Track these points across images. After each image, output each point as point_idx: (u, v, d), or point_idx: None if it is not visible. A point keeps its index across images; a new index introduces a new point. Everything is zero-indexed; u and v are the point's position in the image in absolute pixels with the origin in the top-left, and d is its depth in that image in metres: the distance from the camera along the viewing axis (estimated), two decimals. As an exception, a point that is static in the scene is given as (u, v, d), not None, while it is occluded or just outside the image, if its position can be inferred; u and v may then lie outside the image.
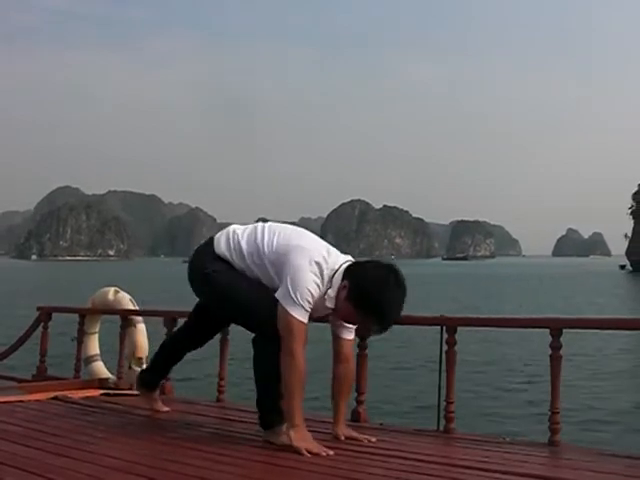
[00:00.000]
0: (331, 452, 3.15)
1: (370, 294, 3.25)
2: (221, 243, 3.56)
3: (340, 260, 3.39)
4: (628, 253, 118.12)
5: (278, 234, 3.48)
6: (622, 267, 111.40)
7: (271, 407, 3.37)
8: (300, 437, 3.20)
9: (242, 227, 3.64)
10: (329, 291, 3.33)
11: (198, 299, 3.84)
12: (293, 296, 3.23)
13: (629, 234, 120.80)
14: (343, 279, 3.32)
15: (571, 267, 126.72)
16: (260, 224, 3.63)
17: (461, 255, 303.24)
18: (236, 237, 3.54)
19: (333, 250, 3.45)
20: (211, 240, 3.64)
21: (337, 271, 3.34)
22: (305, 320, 3.26)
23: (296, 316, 3.23)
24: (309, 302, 3.26)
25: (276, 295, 3.29)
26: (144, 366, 5.31)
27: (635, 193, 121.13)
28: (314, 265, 3.28)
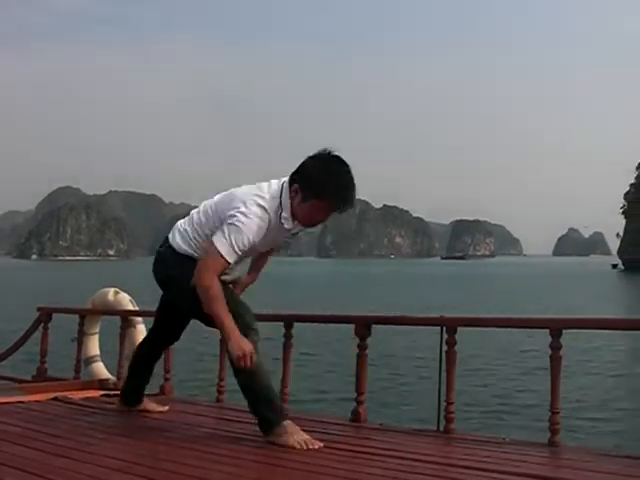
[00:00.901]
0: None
1: (321, 180, 3.30)
2: (179, 242, 3.58)
3: (276, 185, 3.42)
4: (620, 252, 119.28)
5: (210, 208, 3.52)
6: (614, 266, 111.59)
7: (264, 408, 3.38)
8: (238, 344, 3.28)
9: (186, 219, 3.66)
10: (282, 215, 3.36)
11: (162, 296, 3.87)
12: (228, 239, 3.27)
13: (621, 233, 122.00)
14: (291, 188, 3.38)
15: (566, 266, 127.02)
16: (196, 209, 3.67)
17: (459, 254, 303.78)
18: (186, 232, 3.57)
19: (266, 184, 3.46)
20: (167, 241, 3.64)
21: (282, 194, 3.38)
22: (232, 261, 3.33)
23: (226, 257, 3.29)
24: (244, 245, 3.30)
25: (213, 238, 3.33)
26: None
27: (626, 193, 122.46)
28: (251, 207, 3.31)
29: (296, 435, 3.28)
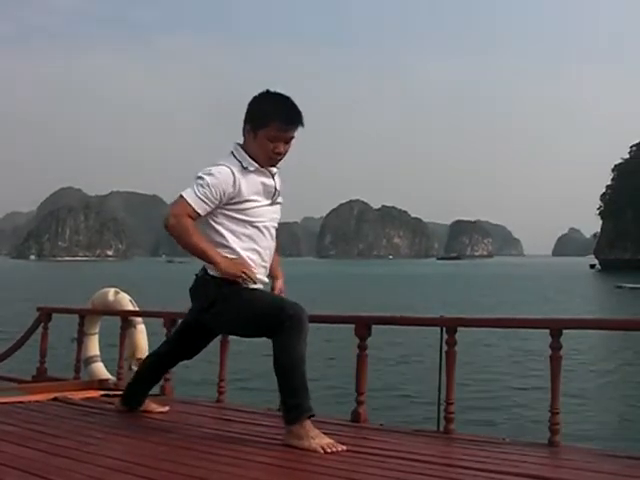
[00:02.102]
0: None
1: (258, 106, 3.46)
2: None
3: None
4: (596, 252, 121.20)
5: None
6: (592, 266, 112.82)
7: (295, 398, 3.31)
8: (227, 266, 3.39)
9: None
10: (243, 164, 3.43)
11: (189, 314, 3.80)
12: (192, 188, 3.37)
13: (597, 234, 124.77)
14: (244, 134, 3.50)
15: (555, 267, 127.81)
16: None
17: (454, 255, 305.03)
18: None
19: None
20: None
21: (234, 153, 3.48)
22: (197, 208, 3.36)
23: (188, 200, 3.35)
24: (207, 191, 3.36)
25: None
26: None
27: (603, 194, 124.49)
28: (208, 168, 3.42)
29: (318, 439, 3.24)
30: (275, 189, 3.54)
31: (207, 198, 3.38)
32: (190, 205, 3.37)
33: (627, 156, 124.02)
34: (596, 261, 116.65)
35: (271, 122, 3.41)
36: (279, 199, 3.59)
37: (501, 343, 17.71)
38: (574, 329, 3.95)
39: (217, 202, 3.40)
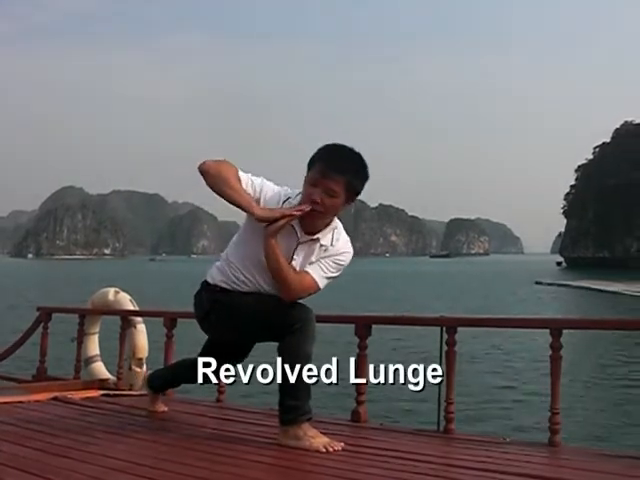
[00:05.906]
0: None
1: (315, 152, 3.19)
2: (214, 274, 3.43)
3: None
4: (561, 250, 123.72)
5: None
6: (558, 264, 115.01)
7: (296, 399, 3.31)
8: (260, 213, 3.14)
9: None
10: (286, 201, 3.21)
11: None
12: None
13: (562, 233, 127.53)
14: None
15: (529, 264, 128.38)
16: None
17: (444, 253, 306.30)
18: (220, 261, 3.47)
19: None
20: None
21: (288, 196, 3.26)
22: (241, 175, 3.22)
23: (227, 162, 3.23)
24: (253, 179, 3.24)
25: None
26: (144, 367, 5.33)
27: (567, 194, 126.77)
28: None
29: (317, 438, 3.24)
30: (297, 245, 3.24)
31: (250, 178, 3.25)
32: (229, 162, 3.23)
33: (591, 157, 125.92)
34: (562, 259, 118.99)
35: (315, 164, 3.16)
36: (295, 257, 3.25)
37: (501, 343, 17.71)
38: (574, 329, 3.96)
39: (256, 184, 3.23)
